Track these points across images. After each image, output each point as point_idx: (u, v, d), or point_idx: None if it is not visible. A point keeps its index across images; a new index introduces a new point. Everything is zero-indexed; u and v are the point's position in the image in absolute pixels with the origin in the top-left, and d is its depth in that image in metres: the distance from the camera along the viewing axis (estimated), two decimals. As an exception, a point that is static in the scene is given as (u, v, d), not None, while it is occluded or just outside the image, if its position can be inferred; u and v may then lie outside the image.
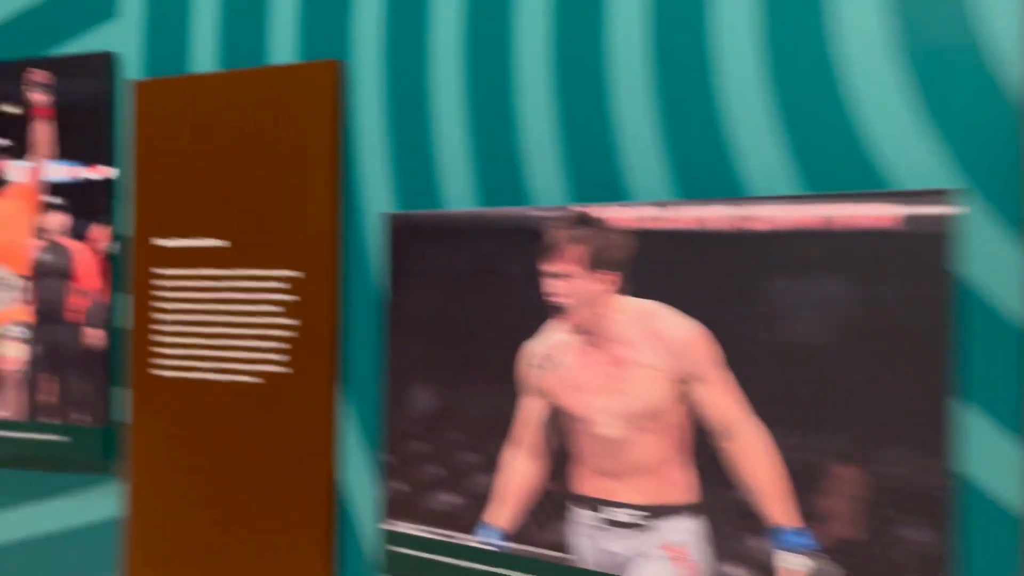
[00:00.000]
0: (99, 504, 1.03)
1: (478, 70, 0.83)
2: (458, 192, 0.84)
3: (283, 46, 0.93)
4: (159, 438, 0.98)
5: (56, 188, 1.04)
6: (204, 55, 0.98)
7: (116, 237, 1.02)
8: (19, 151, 1.05)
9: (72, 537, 1.04)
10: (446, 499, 0.81)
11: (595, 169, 0.77)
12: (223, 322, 0.94)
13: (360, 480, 0.89)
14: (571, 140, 0.79)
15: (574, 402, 0.74)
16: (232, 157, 0.94)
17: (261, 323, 0.93)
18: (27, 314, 1.05)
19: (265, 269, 0.93)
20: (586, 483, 0.74)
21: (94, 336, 1.02)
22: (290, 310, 0.91)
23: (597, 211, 0.74)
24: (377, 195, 0.88)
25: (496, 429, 0.79)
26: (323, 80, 0.90)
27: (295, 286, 0.91)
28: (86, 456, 1.02)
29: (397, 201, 0.87)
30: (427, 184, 0.86)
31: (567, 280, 0.74)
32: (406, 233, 0.84)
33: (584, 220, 0.74)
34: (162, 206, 0.98)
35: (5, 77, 1.06)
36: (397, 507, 0.84)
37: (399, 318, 0.85)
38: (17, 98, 1.05)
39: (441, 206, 0.85)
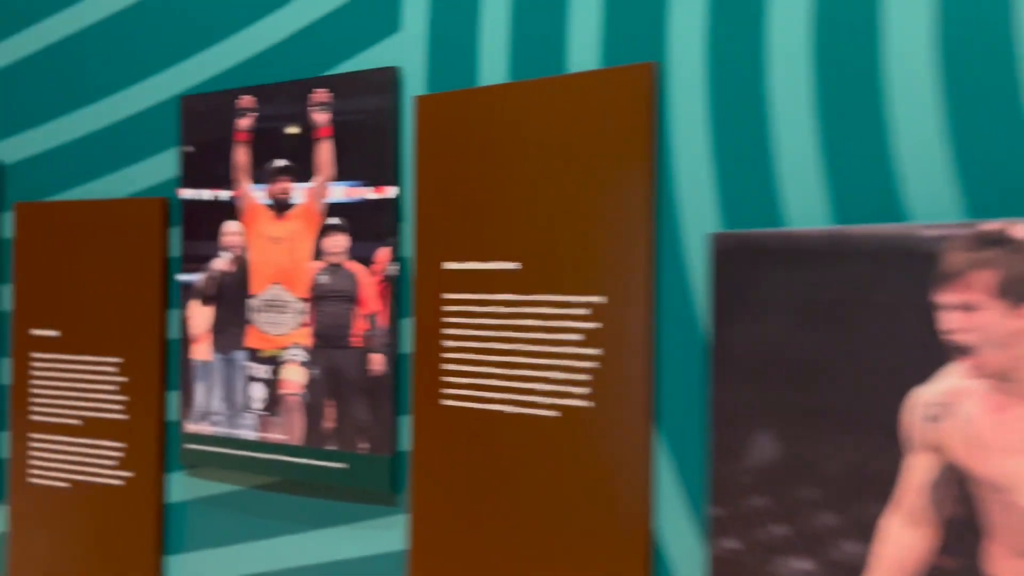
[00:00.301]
0: (382, 535, 0.99)
1: (830, 60, 0.72)
2: (806, 207, 0.73)
3: (585, 51, 0.85)
4: (446, 471, 0.92)
5: (337, 209, 1.02)
6: (493, 66, 0.92)
7: (398, 259, 0.98)
8: (301, 172, 1.04)
9: (355, 567, 1.01)
10: (798, 565, 0.70)
11: (1009, 175, 0.63)
12: (517, 350, 0.88)
13: (680, 534, 0.79)
14: (969, 137, 0.65)
15: (983, 464, 0.61)
16: (526, 173, 0.88)
17: (559, 352, 0.85)
18: (307, 337, 1.04)
19: (563, 294, 0.85)
20: (1002, 564, 0.60)
21: (376, 362, 0.98)
22: (592, 339, 0.83)
23: (1015, 228, 0.60)
24: (699, 212, 0.78)
25: (865, 487, 0.67)
26: (634, 85, 0.81)
27: (598, 313, 0.83)
28: (367, 484, 0.98)
29: (724, 219, 0.77)
30: (763, 199, 0.75)
31: (971, 313, 0.61)
32: (737, 256, 0.74)
33: (995, 240, 0.60)
34: (448, 227, 0.93)
35: (288, 98, 1.05)
36: (729, 568, 0.74)
37: (729, 352, 0.74)
38: (299, 119, 1.04)
39: (782, 224, 0.74)
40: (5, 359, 1.28)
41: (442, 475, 0.93)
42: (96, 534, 1.19)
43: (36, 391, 1.24)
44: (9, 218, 1.28)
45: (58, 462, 1.22)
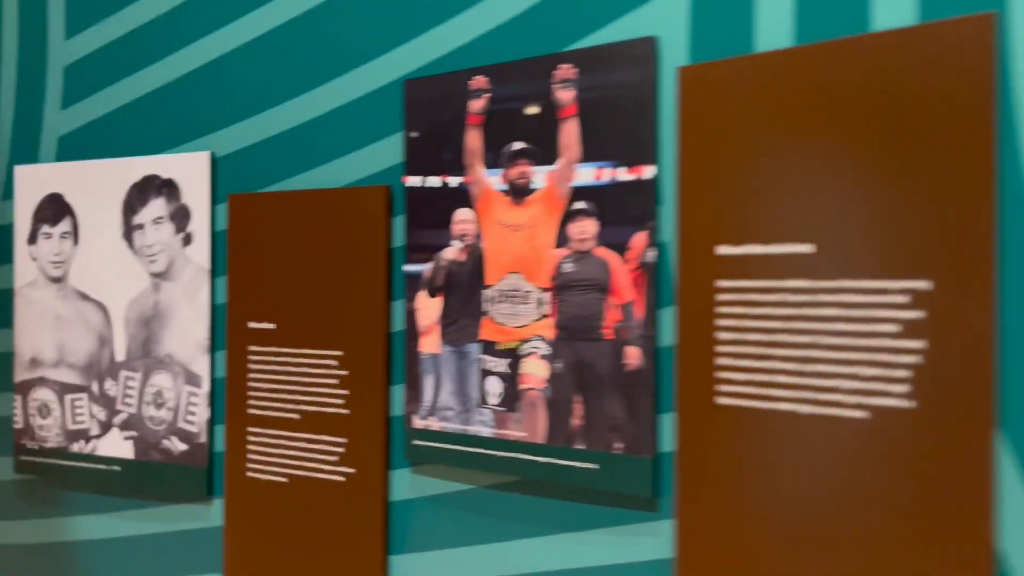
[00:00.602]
0: (640, 542, 0.92)
1: None
2: None
3: (895, 5, 0.76)
4: (721, 474, 0.84)
5: (584, 192, 0.95)
6: (773, 29, 0.83)
7: (657, 245, 0.91)
8: (542, 155, 0.98)
9: (608, 574, 0.94)
10: None
11: None
12: (813, 343, 0.79)
13: (1038, 554, 0.69)
14: None
15: None
16: (819, 145, 0.79)
17: (867, 345, 0.76)
18: (550, 329, 0.98)
19: (873, 279, 0.76)
20: None
21: (632, 355, 0.91)
22: (913, 330, 0.73)
23: None
24: (1060, 182, 0.68)
25: None
26: (969, 40, 0.71)
27: (920, 300, 0.73)
28: (622, 487, 0.91)
29: (1095, 189, 0.66)
30: None
31: None
32: (1118, 231, 0.63)
33: None
34: (721, 208, 0.85)
35: (526, 76, 0.99)
36: (1112, 598, 0.63)
37: (1109, 344, 0.63)
38: (540, 98, 0.98)
39: None
40: (221, 352, 1.27)
41: (717, 479, 0.85)
42: (316, 530, 1.17)
43: (254, 385, 1.23)
44: (222, 210, 1.28)
45: (276, 456, 1.21)
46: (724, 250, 0.85)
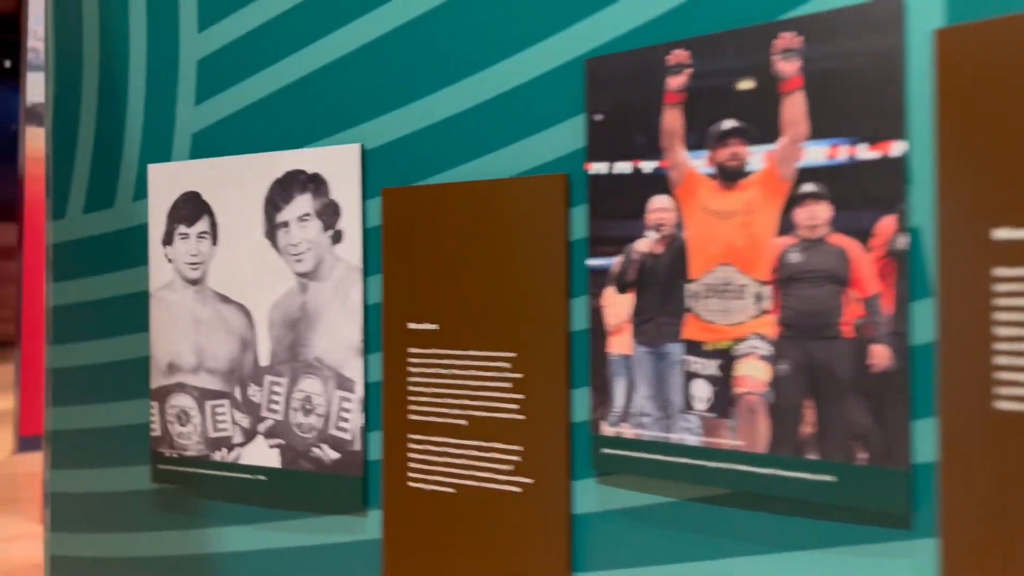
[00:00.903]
0: (892, 563, 0.82)
1: None
2: None
3: None
4: (998, 489, 0.74)
5: (812, 173, 0.86)
6: (1062, -21, 0.73)
7: (908, 230, 0.81)
8: (756, 133, 0.89)
9: (852, 602, 0.85)
10: None
11: None
12: None
13: None
14: None
15: None
16: None
17: None
18: (771, 326, 0.88)
19: None
20: None
21: (878, 355, 0.82)
22: None
23: None
24: None
25: None
26: None
27: None
28: (867, 502, 0.82)
29: None
30: None
31: None
32: None
33: None
34: (992, 186, 0.75)
35: (740, 47, 0.90)
36: None
37: None
38: (756, 70, 0.89)
39: None
40: (374, 355, 1.20)
41: (994, 493, 0.75)
42: (489, 543, 1.09)
43: (414, 389, 1.15)
44: (373, 205, 1.21)
45: (442, 465, 1.13)
46: (1003, 234, 0.75)
